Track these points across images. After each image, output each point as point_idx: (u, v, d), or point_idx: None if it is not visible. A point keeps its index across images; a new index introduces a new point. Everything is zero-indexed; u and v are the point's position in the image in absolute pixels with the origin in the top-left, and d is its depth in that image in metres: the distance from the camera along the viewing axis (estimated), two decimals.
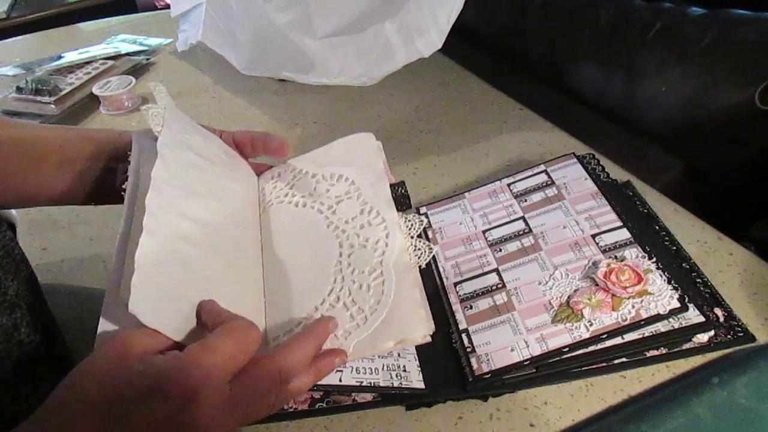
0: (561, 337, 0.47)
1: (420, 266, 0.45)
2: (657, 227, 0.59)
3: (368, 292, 0.43)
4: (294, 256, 0.47)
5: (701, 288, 0.52)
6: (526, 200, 0.60)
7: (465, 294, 0.53)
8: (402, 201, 0.49)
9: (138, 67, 1.05)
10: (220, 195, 0.47)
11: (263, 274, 0.47)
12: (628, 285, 0.48)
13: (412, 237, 0.46)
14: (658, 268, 0.49)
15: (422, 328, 0.40)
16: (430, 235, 0.61)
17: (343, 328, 0.41)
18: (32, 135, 0.50)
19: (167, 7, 1.06)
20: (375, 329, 0.41)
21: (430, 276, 0.57)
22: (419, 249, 0.45)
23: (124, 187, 0.44)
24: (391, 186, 0.49)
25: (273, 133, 0.53)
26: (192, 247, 0.41)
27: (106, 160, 0.49)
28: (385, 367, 0.47)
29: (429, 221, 0.62)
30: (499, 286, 0.53)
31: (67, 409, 0.31)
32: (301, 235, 0.49)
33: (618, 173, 0.67)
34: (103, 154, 0.49)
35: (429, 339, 0.41)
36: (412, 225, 0.47)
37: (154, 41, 1.13)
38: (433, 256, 0.58)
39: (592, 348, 0.46)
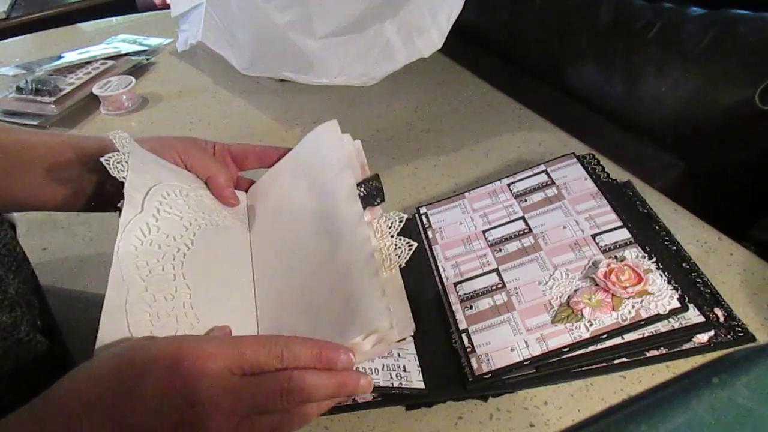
0: (561, 337, 0.47)
1: (400, 265, 0.44)
2: (657, 227, 0.59)
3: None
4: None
5: (701, 288, 0.52)
6: (526, 200, 0.60)
7: (465, 294, 0.53)
8: (375, 194, 0.47)
9: (138, 67, 1.05)
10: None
11: (255, 290, 0.47)
12: (628, 285, 0.48)
13: (392, 236, 0.45)
14: (658, 268, 0.49)
15: (383, 318, 0.38)
16: (430, 235, 0.61)
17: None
18: (18, 140, 0.49)
19: (167, 7, 1.06)
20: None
21: (430, 276, 0.57)
22: (399, 247, 0.44)
23: (119, 205, 0.44)
24: (365, 180, 0.48)
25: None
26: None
27: (96, 169, 0.48)
28: (385, 367, 0.47)
29: (429, 221, 0.62)
30: (499, 286, 0.53)
31: (69, 408, 0.31)
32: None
33: (618, 173, 0.67)
34: (91, 162, 0.48)
35: (410, 336, 0.39)
36: (391, 223, 0.45)
37: (154, 41, 1.13)
38: (434, 256, 0.58)
39: (592, 348, 0.46)
